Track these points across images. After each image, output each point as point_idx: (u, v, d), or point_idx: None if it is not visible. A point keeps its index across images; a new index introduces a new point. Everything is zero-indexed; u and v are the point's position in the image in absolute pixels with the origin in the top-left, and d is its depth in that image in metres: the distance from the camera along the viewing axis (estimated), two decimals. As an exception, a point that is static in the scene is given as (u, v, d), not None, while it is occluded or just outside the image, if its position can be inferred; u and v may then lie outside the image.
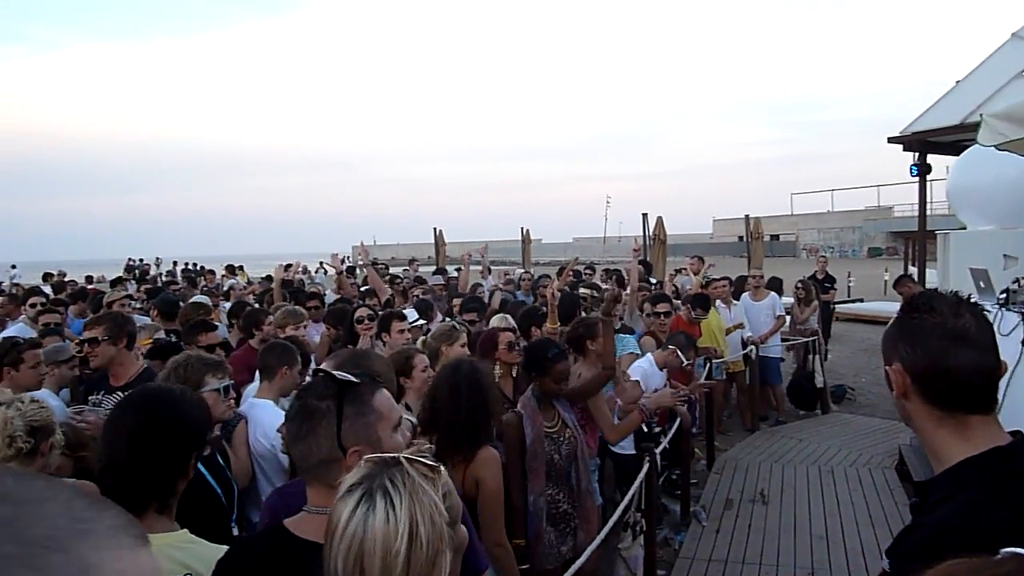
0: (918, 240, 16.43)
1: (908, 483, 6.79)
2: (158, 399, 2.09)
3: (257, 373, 4.21)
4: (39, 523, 0.56)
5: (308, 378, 3.70)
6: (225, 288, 12.31)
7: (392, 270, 13.74)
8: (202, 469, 2.70)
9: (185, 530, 1.96)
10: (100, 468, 2.01)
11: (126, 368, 4.28)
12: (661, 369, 5.51)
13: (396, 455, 1.36)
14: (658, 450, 4.96)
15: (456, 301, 8.29)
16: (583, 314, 5.83)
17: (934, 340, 1.45)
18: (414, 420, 2.99)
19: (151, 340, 5.12)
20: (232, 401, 3.25)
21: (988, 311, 1.87)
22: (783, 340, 10.04)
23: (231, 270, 18.13)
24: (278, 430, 3.12)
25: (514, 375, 4.66)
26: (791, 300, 10.98)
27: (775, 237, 56.14)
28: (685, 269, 10.31)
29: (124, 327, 4.36)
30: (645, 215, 16.60)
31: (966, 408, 1.44)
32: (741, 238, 30.50)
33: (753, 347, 8.93)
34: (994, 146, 5.59)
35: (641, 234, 16.35)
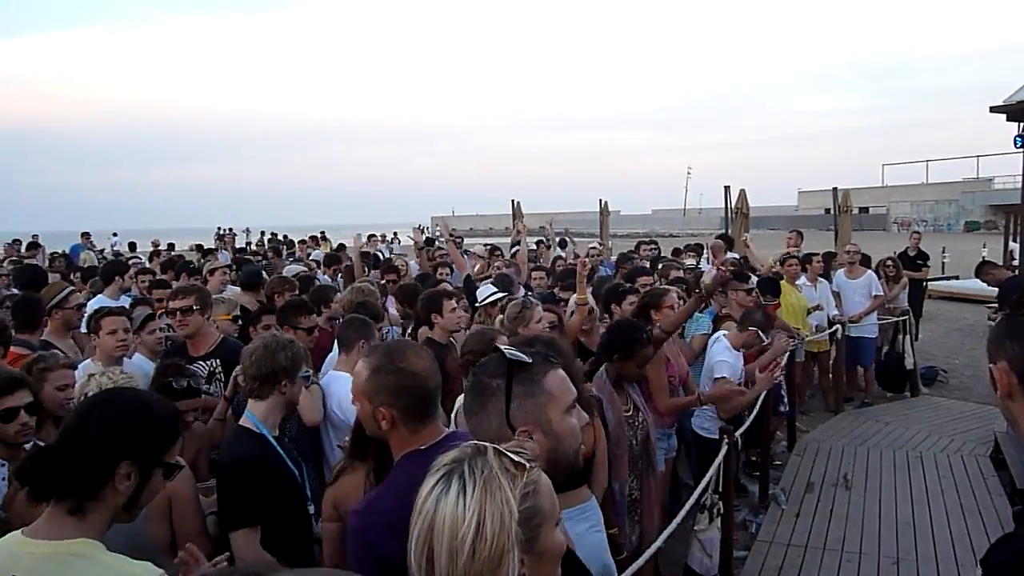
0: (1021, 214, 15.51)
1: (1003, 471, 6.48)
2: (124, 399, 2.02)
3: (335, 345, 4.34)
4: None
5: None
6: (311, 258, 12.61)
7: (468, 241, 13.82)
8: (280, 451, 2.80)
9: (91, 541, 1.79)
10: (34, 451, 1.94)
11: (205, 338, 4.48)
12: (738, 350, 5.38)
13: (486, 444, 1.36)
14: (739, 432, 4.88)
15: (536, 274, 8.26)
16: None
17: None
18: None
19: (229, 316, 5.06)
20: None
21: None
22: (874, 320, 9.62)
23: (315, 240, 18.59)
24: (353, 402, 3.15)
25: None
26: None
27: (864, 210, 53.94)
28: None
29: (209, 298, 4.59)
30: (727, 188, 16.19)
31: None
32: (828, 211, 29.40)
33: (839, 326, 8.63)
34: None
35: (722, 206, 15.96)
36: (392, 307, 6.54)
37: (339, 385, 3.82)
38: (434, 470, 1.33)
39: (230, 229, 31.68)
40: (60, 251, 16.88)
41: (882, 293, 9.23)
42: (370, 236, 15.25)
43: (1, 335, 3.93)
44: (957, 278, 19.04)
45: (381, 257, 11.59)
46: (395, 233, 23.09)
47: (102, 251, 18.52)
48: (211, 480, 3.10)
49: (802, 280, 8.70)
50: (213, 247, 16.85)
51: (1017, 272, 10.01)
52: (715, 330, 5.87)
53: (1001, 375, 1.44)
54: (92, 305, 5.81)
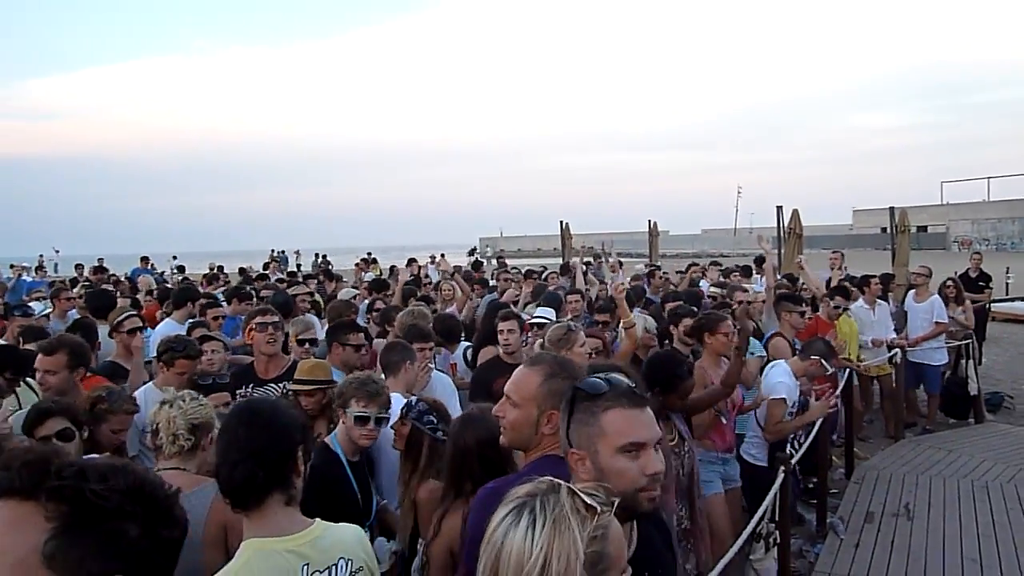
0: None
1: (1077, 504, 6.20)
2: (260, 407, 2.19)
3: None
4: None
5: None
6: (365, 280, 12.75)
7: (515, 262, 13.74)
8: (349, 474, 2.85)
9: (318, 519, 2.05)
10: (217, 466, 2.10)
11: (276, 362, 4.58)
12: (798, 379, 5.28)
13: (560, 482, 1.36)
14: (793, 460, 4.77)
15: (570, 297, 8.01)
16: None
17: None
18: None
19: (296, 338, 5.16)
20: None
21: None
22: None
23: (366, 263, 18.84)
24: (392, 426, 3.22)
25: None
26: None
27: (922, 228, 52.58)
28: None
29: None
30: (780, 207, 15.93)
31: None
32: (884, 229, 28.72)
33: (899, 351, 8.40)
34: None
35: (774, 225, 15.69)
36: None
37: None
38: (507, 501, 1.35)
39: (283, 251, 32.30)
40: (123, 274, 17.41)
41: (945, 320, 8.98)
42: (409, 260, 15.33)
43: (82, 358, 4.06)
44: (1022, 300, 18.39)
45: (432, 280, 11.72)
46: (442, 254, 23.31)
47: (162, 273, 19.01)
48: None
49: (859, 303, 8.51)
50: (264, 271, 17.13)
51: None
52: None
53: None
54: (161, 330, 5.95)
